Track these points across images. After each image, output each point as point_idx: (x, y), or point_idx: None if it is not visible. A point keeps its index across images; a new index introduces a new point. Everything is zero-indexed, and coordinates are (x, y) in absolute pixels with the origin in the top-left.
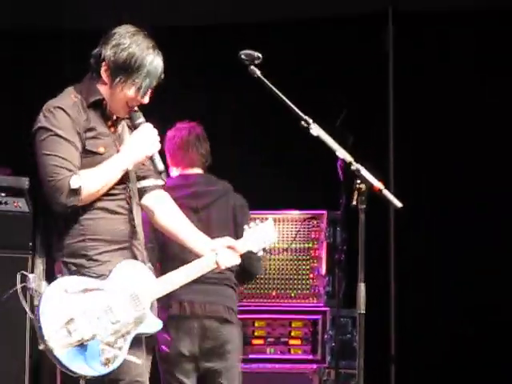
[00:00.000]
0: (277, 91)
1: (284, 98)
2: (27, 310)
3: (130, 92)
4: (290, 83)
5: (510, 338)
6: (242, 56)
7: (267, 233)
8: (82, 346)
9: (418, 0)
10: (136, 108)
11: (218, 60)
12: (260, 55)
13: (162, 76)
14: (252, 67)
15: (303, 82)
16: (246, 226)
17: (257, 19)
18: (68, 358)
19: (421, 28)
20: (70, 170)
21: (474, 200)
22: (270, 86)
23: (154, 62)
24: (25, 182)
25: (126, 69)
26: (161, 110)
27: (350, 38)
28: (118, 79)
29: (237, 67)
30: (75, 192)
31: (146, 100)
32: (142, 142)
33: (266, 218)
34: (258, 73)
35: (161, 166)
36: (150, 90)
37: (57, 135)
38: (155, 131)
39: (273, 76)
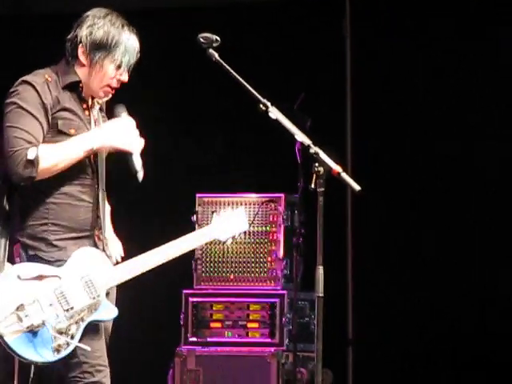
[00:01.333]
0: (235, 74)
1: (242, 81)
2: None
3: (110, 69)
4: (248, 66)
5: (467, 318)
6: (201, 39)
7: (237, 221)
8: (32, 332)
9: None
10: (121, 104)
11: (177, 44)
12: (218, 38)
13: (138, 55)
14: (210, 50)
15: (261, 66)
16: (214, 214)
17: (216, 2)
18: (18, 344)
19: (378, 12)
20: (30, 142)
21: (432, 183)
22: (229, 68)
23: (131, 38)
24: None
25: (103, 46)
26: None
27: (308, 21)
28: (96, 57)
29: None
30: (31, 163)
31: (126, 78)
32: (116, 130)
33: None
34: (216, 56)
35: (137, 166)
36: (128, 68)
37: (21, 107)
38: (135, 129)
39: (231, 59)
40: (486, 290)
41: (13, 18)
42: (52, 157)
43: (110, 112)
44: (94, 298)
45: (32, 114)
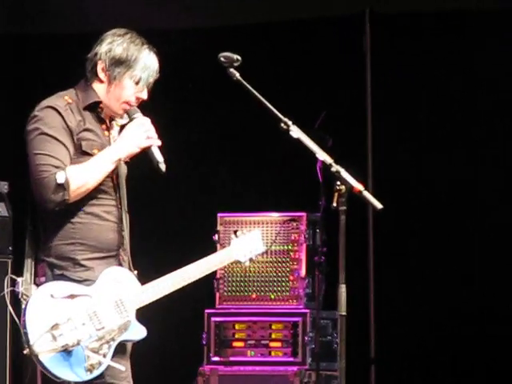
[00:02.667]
0: (256, 93)
1: (263, 99)
2: (13, 314)
3: (129, 85)
4: (269, 85)
5: (492, 338)
6: (221, 58)
7: (254, 243)
8: (66, 351)
9: (395, 2)
10: (134, 107)
11: (199, 63)
12: (239, 57)
13: (158, 74)
14: (231, 70)
15: (282, 84)
16: (232, 235)
17: (237, 21)
18: (52, 363)
19: (398, 28)
20: (57, 167)
21: (453, 201)
22: (250, 88)
23: (150, 56)
24: (4, 186)
25: (122, 62)
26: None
27: (328, 39)
28: (115, 73)
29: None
30: (62, 187)
31: (145, 95)
32: (134, 133)
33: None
34: (238, 75)
35: (159, 158)
36: (148, 86)
37: (45, 134)
38: (151, 125)
39: (252, 78)
40: None
41: (9, 36)
42: (81, 176)
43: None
44: (124, 318)
45: (57, 139)
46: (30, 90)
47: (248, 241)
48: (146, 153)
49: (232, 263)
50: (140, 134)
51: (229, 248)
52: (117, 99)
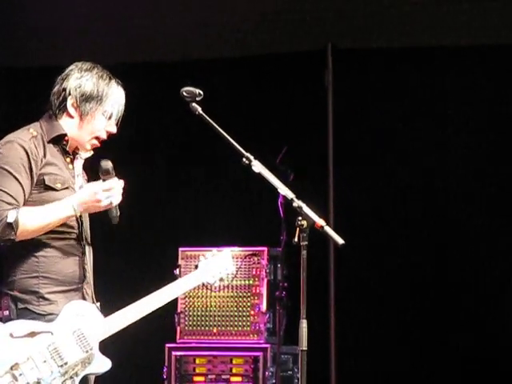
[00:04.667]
0: (218, 128)
1: (225, 134)
2: None
3: (101, 120)
4: (231, 120)
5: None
6: (184, 93)
7: (224, 263)
8: None
9: (357, 37)
10: (108, 161)
11: (158, 97)
12: (201, 92)
13: (124, 107)
14: (193, 104)
15: (244, 119)
16: (201, 257)
17: (199, 56)
18: None
19: (360, 62)
20: (10, 204)
21: (414, 236)
22: (212, 123)
23: (119, 90)
24: None
25: (93, 98)
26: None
27: (290, 74)
28: (87, 109)
29: (178, 103)
30: (11, 226)
31: (114, 129)
32: (98, 197)
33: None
34: (200, 110)
35: (114, 213)
36: (116, 120)
37: (3, 169)
38: (119, 187)
39: (214, 113)
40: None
41: None
42: (32, 220)
43: (94, 165)
44: (87, 351)
45: (14, 176)
46: None
47: (217, 261)
48: None
49: (193, 297)
50: (102, 202)
51: (196, 271)
52: (88, 134)
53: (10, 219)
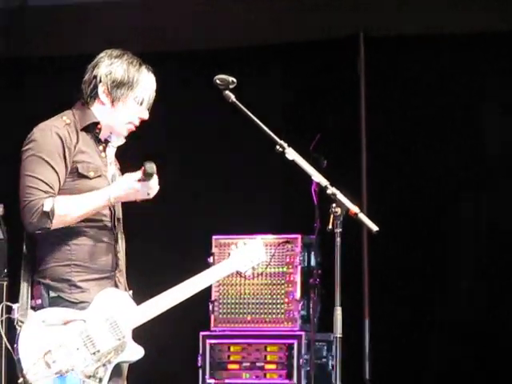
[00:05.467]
0: (252, 116)
1: (259, 122)
2: (7, 343)
3: (133, 106)
4: (263, 107)
5: (489, 359)
6: (217, 81)
7: (255, 252)
8: (61, 377)
9: (389, 25)
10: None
11: (193, 84)
12: (235, 80)
13: (155, 93)
14: (227, 92)
15: (276, 107)
16: (233, 246)
17: (232, 44)
18: None
19: (392, 50)
20: (46, 192)
21: (448, 222)
22: (245, 110)
23: (149, 76)
24: None
25: (125, 84)
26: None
27: (322, 62)
28: (119, 95)
29: (210, 92)
30: (47, 214)
31: (146, 115)
32: (135, 189)
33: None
34: (233, 97)
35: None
36: (149, 106)
37: (38, 156)
38: (155, 186)
39: (246, 101)
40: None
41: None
42: (67, 210)
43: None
44: (119, 339)
45: (49, 163)
46: (23, 113)
47: (249, 250)
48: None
49: (227, 285)
50: (140, 193)
51: (228, 259)
52: (121, 120)
53: (47, 208)
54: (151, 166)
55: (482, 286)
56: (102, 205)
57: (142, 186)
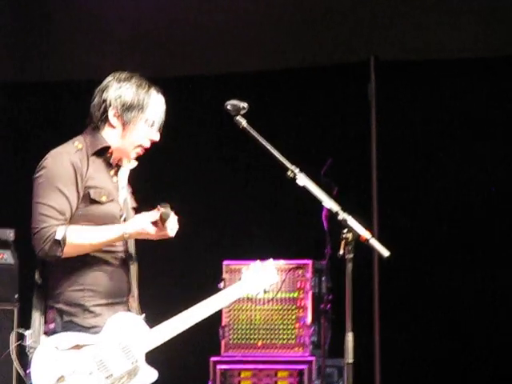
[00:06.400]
0: (263, 141)
1: (270, 147)
2: (19, 370)
3: (144, 128)
4: (275, 133)
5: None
6: (228, 106)
7: (267, 274)
8: None
9: (400, 49)
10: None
11: (203, 109)
12: (246, 105)
13: (164, 114)
14: (238, 117)
15: (288, 132)
16: (244, 268)
17: (243, 69)
18: None
19: (403, 75)
20: (58, 220)
21: (459, 248)
22: (257, 136)
23: (159, 97)
24: (10, 234)
25: (134, 106)
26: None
27: (333, 87)
28: (130, 117)
29: (221, 118)
30: (58, 243)
31: (157, 137)
32: (150, 231)
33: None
34: (244, 123)
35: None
36: (159, 127)
37: (51, 183)
38: (174, 224)
39: (258, 126)
40: None
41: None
42: (79, 239)
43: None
44: (132, 363)
45: (61, 191)
46: (34, 137)
47: (260, 273)
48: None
49: (238, 310)
50: (157, 236)
51: (239, 282)
52: (132, 143)
53: (59, 236)
54: (166, 212)
55: (499, 311)
56: (114, 239)
57: (156, 230)
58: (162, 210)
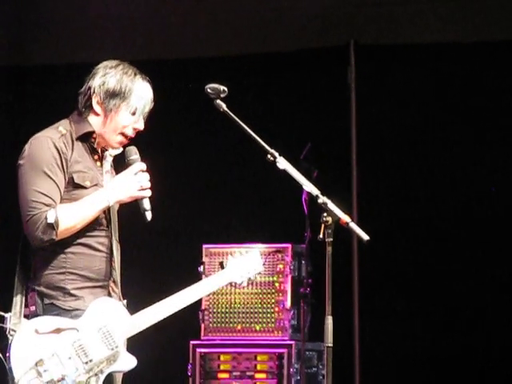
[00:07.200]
0: (243, 124)
1: (250, 131)
2: None
3: (125, 116)
4: (255, 117)
5: (477, 367)
6: (208, 90)
7: (252, 262)
8: None
9: (379, 34)
10: (132, 146)
11: (186, 94)
12: (226, 89)
13: (152, 103)
14: (218, 101)
15: (268, 116)
16: (229, 256)
17: (223, 53)
18: None
19: (383, 59)
20: (48, 205)
21: (438, 232)
22: (236, 119)
23: (144, 86)
24: None
25: (117, 94)
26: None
27: (313, 71)
28: (111, 105)
29: (201, 101)
30: (51, 226)
31: (141, 126)
32: (128, 183)
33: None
34: (224, 106)
35: (146, 206)
36: (143, 116)
37: (37, 169)
38: (146, 173)
39: (237, 110)
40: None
41: (11, 67)
42: (70, 219)
43: (121, 158)
44: (112, 349)
45: (48, 175)
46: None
47: (245, 261)
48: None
49: (217, 294)
50: (133, 185)
51: (225, 269)
52: (113, 131)
53: (51, 219)
54: (130, 148)
55: (475, 293)
56: (101, 207)
57: (131, 171)
58: (126, 147)
